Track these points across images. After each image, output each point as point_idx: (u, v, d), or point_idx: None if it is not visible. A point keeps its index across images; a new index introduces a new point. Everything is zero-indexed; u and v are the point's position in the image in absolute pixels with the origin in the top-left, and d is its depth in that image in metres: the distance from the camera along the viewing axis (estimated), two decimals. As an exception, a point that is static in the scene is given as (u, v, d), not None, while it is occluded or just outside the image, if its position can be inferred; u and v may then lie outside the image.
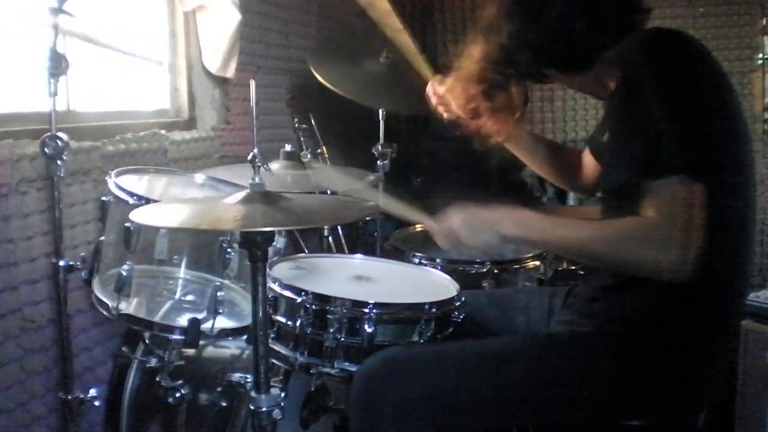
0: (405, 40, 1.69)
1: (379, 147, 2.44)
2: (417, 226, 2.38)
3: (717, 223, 1.19)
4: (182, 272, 1.75)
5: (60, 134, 1.73)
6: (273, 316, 1.50)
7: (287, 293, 1.48)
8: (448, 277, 1.68)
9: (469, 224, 1.33)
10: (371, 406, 1.28)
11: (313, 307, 1.44)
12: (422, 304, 1.46)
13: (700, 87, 1.20)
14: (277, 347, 1.49)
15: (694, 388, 1.32)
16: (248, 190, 1.30)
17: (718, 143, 1.22)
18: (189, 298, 1.74)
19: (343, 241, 2.68)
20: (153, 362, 1.66)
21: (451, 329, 1.50)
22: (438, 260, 1.99)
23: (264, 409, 1.27)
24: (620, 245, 1.19)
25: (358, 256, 1.90)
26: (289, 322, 1.47)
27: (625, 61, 1.24)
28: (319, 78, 2.31)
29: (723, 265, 1.28)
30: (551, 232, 1.28)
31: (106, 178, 1.73)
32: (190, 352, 1.70)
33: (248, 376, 1.64)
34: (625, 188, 1.23)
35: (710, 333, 1.31)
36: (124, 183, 1.70)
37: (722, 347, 1.35)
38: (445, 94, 1.63)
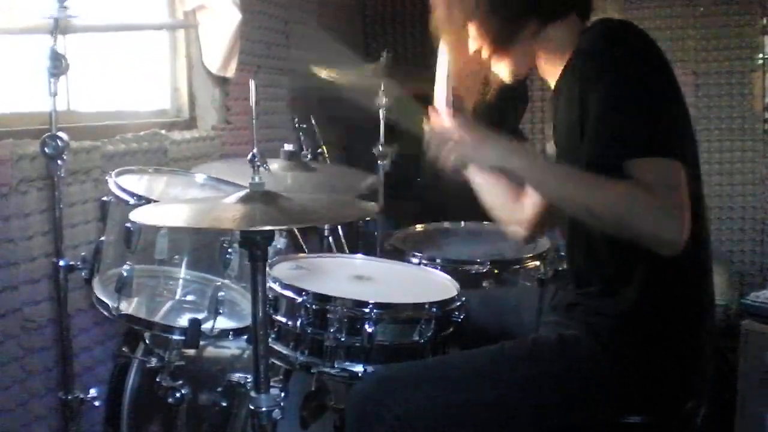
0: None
1: (380, 147, 2.44)
2: (417, 226, 2.39)
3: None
4: (183, 272, 1.75)
5: (60, 134, 1.73)
6: (273, 316, 1.50)
7: (287, 293, 1.48)
8: (448, 276, 1.68)
9: (475, 134, 1.31)
10: (367, 427, 1.28)
11: (314, 306, 1.44)
12: (422, 304, 1.46)
13: (663, 73, 1.23)
14: (277, 347, 1.49)
15: (683, 380, 1.33)
16: (248, 190, 1.30)
17: (682, 126, 1.25)
18: (189, 298, 1.74)
19: (343, 241, 2.68)
20: (153, 362, 1.65)
21: (451, 329, 1.50)
22: (438, 260, 1.99)
23: (264, 409, 1.27)
24: (622, 208, 1.17)
25: (358, 256, 1.90)
26: (290, 322, 1.47)
27: (595, 48, 1.25)
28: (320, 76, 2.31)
29: (691, 255, 1.27)
30: (550, 177, 1.27)
31: (106, 177, 1.73)
32: (191, 352, 1.69)
33: (248, 376, 1.63)
34: (600, 164, 1.22)
35: (689, 326, 1.32)
36: (124, 183, 1.70)
37: (704, 339, 1.35)
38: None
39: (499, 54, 1.41)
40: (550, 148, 1.48)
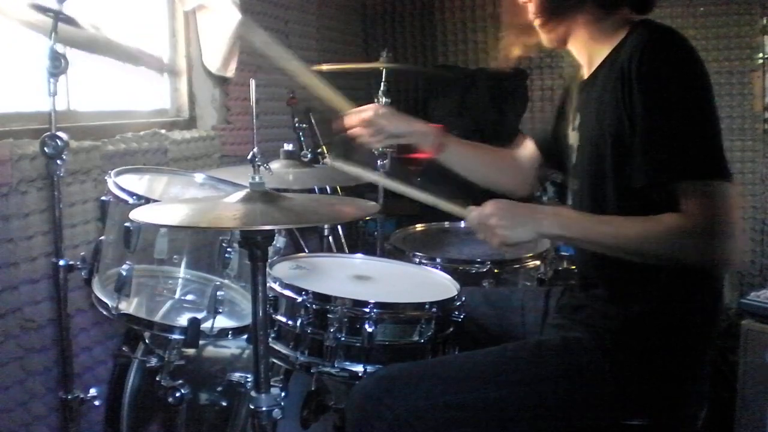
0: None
1: (379, 147, 2.43)
2: (417, 226, 2.39)
3: None
4: (182, 272, 1.75)
5: (60, 134, 1.73)
6: (273, 316, 1.50)
7: (287, 293, 1.48)
8: (448, 276, 1.67)
9: (507, 217, 1.33)
10: (367, 426, 1.28)
11: (314, 306, 1.44)
12: (423, 304, 1.46)
13: (708, 89, 1.23)
14: (277, 347, 1.49)
15: (685, 384, 1.33)
16: (248, 190, 1.30)
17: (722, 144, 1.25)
18: (189, 297, 1.74)
19: (343, 240, 2.68)
20: (153, 362, 1.65)
21: (451, 329, 1.50)
22: (438, 260, 1.99)
23: (264, 409, 1.27)
24: (669, 243, 1.20)
25: (358, 255, 1.89)
26: (290, 322, 1.47)
27: (642, 56, 1.23)
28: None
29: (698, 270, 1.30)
30: (593, 230, 1.28)
31: (106, 177, 1.73)
32: (190, 351, 1.69)
33: (248, 375, 1.63)
34: (647, 188, 1.24)
35: (695, 332, 1.32)
36: (123, 183, 1.69)
37: (708, 345, 1.35)
38: (375, 120, 1.64)
39: (544, 24, 1.42)
40: (572, 137, 1.47)
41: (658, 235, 1.21)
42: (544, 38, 1.46)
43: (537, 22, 1.44)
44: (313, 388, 1.49)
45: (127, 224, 1.55)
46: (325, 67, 2.48)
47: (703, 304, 1.33)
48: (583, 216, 1.33)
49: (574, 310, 1.43)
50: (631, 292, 1.32)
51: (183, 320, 1.56)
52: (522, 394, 1.30)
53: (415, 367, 1.38)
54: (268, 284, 1.33)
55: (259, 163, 1.32)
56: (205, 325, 1.54)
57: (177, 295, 1.74)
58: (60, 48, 1.67)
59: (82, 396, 1.85)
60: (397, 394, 1.28)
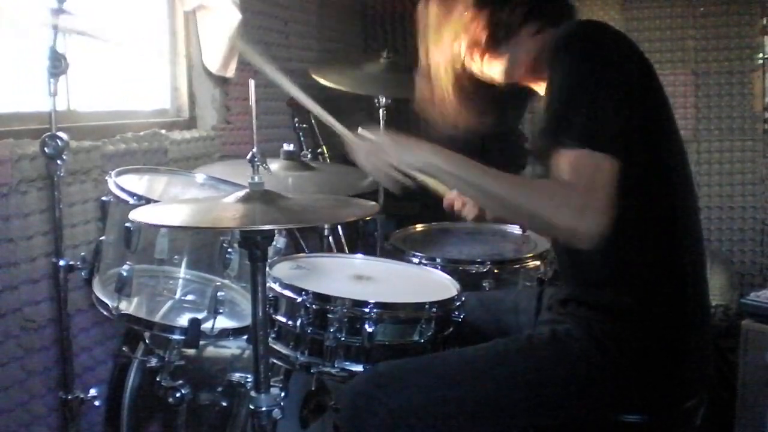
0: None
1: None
2: (417, 226, 2.39)
3: (658, 212, 1.27)
4: (182, 272, 1.75)
5: (60, 134, 1.73)
6: (273, 316, 1.50)
7: (287, 293, 1.48)
8: (448, 276, 1.68)
9: (394, 143, 1.32)
10: (360, 423, 1.28)
11: (314, 306, 1.44)
12: (423, 304, 1.46)
13: (622, 71, 1.23)
14: (277, 347, 1.49)
15: (677, 378, 1.32)
16: (248, 190, 1.30)
17: (643, 127, 1.24)
18: (189, 297, 1.74)
19: (343, 240, 2.68)
20: (153, 362, 1.65)
21: (451, 329, 1.50)
22: (438, 260, 1.99)
23: (264, 409, 1.27)
24: (537, 202, 1.19)
25: (358, 255, 1.90)
26: (290, 322, 1.47)
27: (555, 42, 1.27)
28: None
29: (678, 258, 1.31)
30: (473, 172, 1.27)
31: (106, 177, 1.73)
32: (191, 351, 1.69)
33: (248, 375, 1.64)
34: (544, 152, 1.24)
35: (681, 322, 1.32)
36: (124, 183, 1.70)
37: (694, 337, 1.34)
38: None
39: (493, 53, 1.41)
40: None
41: (529, 192, 1.21)
42: (498, 73, 1.44)
43: (487, 58, 1.42)
44: (313, 388, 1.49)
45: (127, 224, 1.55)
46: (321, 80, 2.49)
47: (688, 294, 1.33)
48: (470, 161, 1.30)
49: (563, 304, 1.43)
50: (617, 284, 1.32)
51: (183, 320, 1.56)
52: (514, 386, 1.30)
53: (407, 363, 1.38)
54: (268, 284, 1.33)
55: (259, 164, 1.32)
56: (206, 326, 1.54)
57: (177, 296, 1.74)
58: (60, 48, 1.68)
59: (82, 396, 1.85)
60: (390, 391, 1.28)
